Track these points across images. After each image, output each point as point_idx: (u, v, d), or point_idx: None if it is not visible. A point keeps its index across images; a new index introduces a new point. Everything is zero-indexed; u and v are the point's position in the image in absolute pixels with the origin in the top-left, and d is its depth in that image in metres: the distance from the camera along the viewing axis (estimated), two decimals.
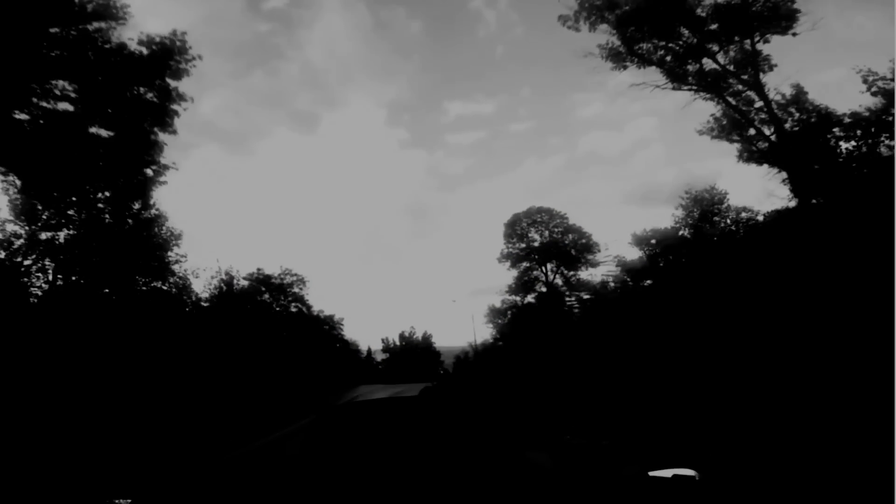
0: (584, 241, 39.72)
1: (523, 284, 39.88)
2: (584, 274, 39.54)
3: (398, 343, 73.58)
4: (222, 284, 31.42)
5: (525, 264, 40.31)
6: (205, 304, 28.56)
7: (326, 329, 42.31)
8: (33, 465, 9.02)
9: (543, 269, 40.16)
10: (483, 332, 61.68)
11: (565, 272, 39.64)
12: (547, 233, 40.76)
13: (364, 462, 3.40)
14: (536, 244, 40.48)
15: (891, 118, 17.86)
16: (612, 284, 37.75)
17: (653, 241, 36.21)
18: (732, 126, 22.75)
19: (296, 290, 40.09)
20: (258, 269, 39.38)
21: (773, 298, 15.98)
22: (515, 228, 41.14)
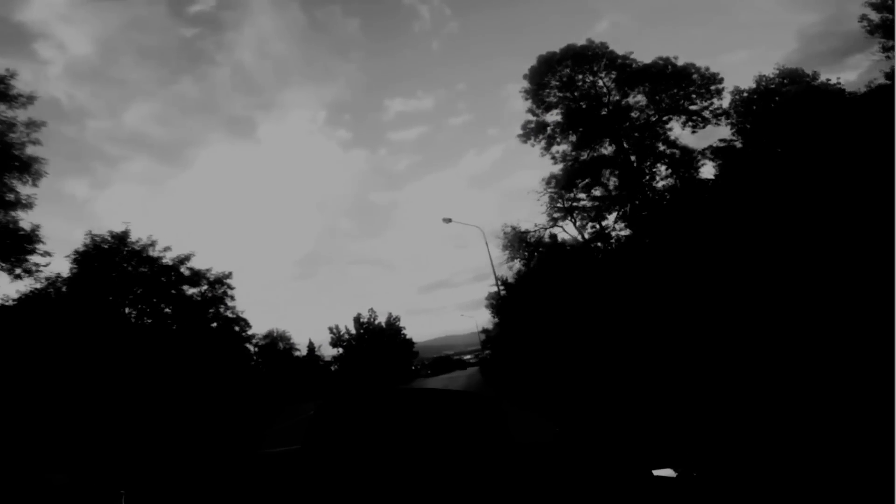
0: (685, 87, 20.01)
1: (578, 171, 19.90)
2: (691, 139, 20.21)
3: (353, 332, 51.96)
4: None
5: (577, 134, 20.34)
6: None
7: (177, 287, 20.82)
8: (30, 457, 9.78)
9: (613, 146, 20.31)
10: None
11: (654, 140, 19.91)
12: (602, 84, 20.93)
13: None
14: (583, 102, 20.62)
15: None
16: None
17: (786, 89, 18.06)
18: None
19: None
20: None
21: None
22: (546, 77, 21.10)
